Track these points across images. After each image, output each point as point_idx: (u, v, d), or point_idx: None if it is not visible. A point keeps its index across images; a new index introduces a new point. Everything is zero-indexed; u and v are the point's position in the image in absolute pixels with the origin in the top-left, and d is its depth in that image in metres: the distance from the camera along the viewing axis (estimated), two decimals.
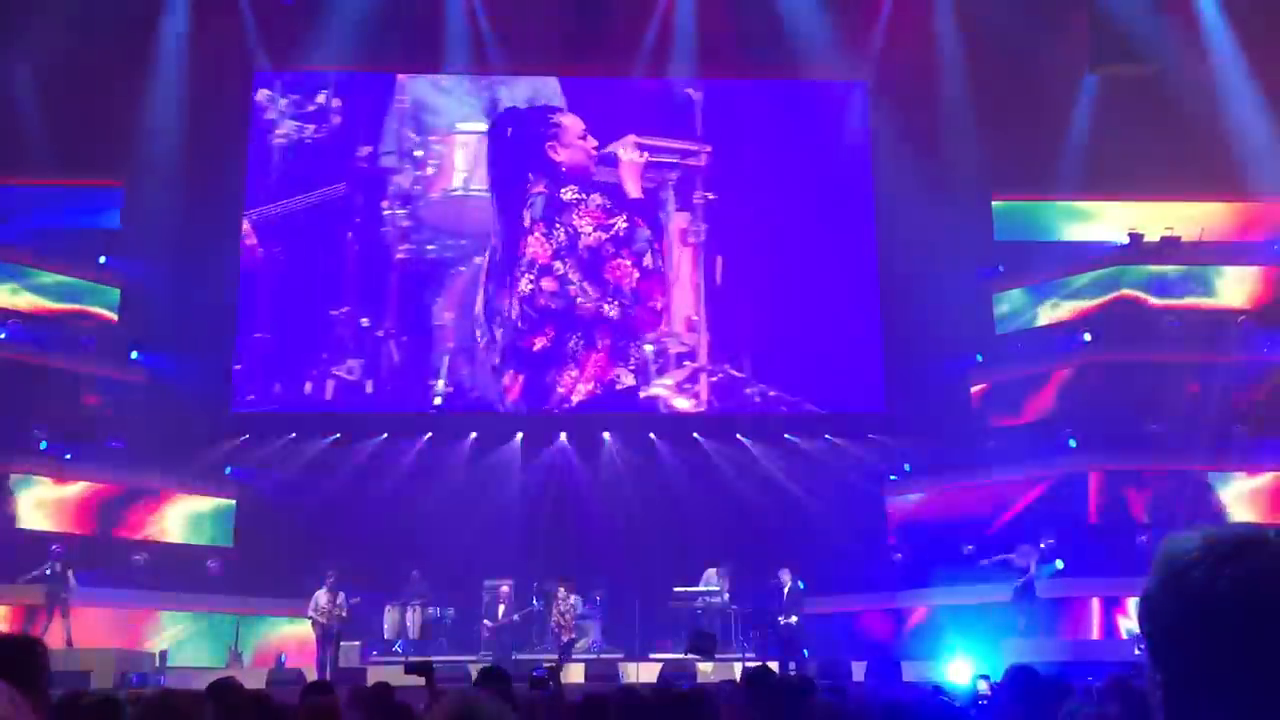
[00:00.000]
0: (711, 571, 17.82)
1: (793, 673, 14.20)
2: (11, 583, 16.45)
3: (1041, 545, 17.33)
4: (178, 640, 17.73)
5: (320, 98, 21.06)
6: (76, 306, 20.14)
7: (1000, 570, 16.84)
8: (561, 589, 16.51)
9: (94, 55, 18.79)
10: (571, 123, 20.84)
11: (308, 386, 20.09)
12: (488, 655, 16.76)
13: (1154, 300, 20.29)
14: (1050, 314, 21.08)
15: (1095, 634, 17.22)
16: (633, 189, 20.57)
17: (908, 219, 20.01)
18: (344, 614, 16.01)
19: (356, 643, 16.71)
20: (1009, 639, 15.61)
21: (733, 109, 21.51)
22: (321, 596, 15.96)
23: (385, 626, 17.93)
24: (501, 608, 17.05)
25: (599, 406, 20.19)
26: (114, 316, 20.37)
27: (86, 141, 19.05)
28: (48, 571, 16.08)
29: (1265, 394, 19.09)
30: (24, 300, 19.79)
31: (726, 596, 17.44)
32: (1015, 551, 16.74)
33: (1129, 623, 17.10)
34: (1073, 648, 15.78)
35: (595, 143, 20.68)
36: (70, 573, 16.14)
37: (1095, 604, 17.37)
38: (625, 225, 20.56)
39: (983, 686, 9.54)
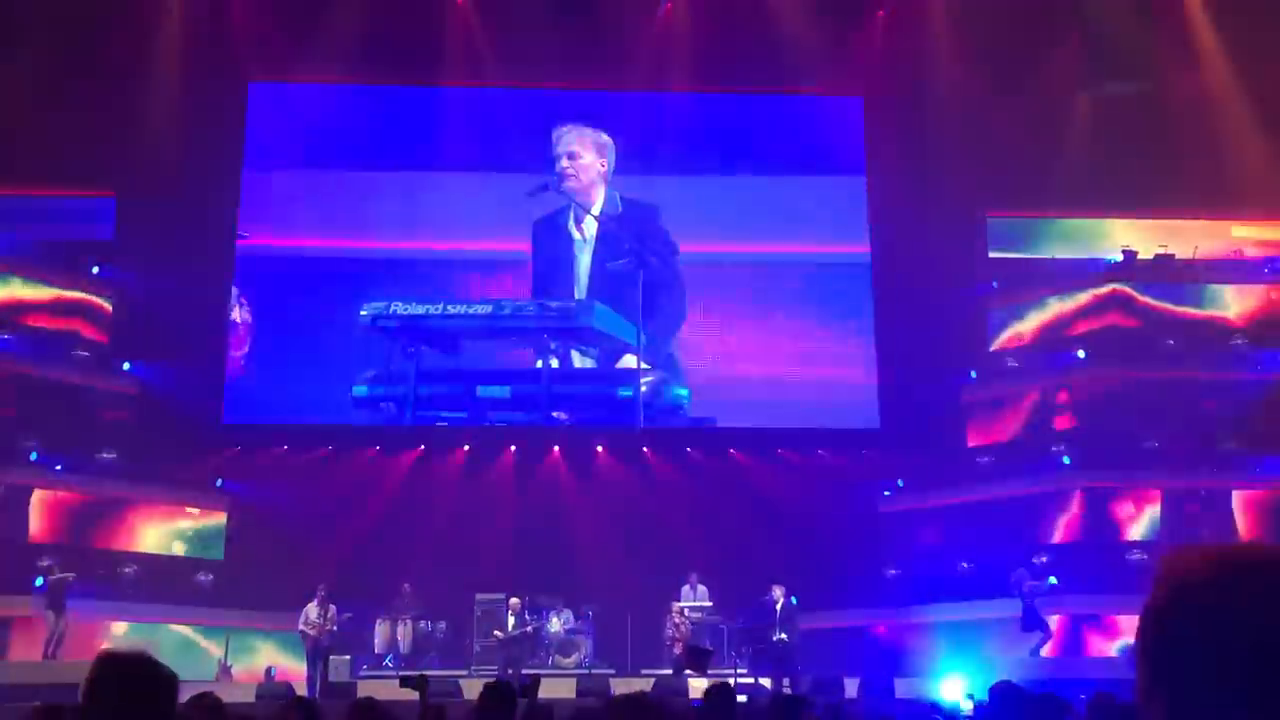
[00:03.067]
0: (686, 588, 17.83)
1: (786, 689, 14.17)
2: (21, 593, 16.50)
3: (1035, 562, 17.34)
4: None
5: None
6: (68, 317, 20.05)
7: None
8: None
9: (86, 64, 18.78)
10: None
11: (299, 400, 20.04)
12: (482, 670, 16.69)
13: (1150, 301, 20.29)
14: (1044, 331, 21.09)
15: (1089, 651, 17.22)
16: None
17: (901, 234, 20.06)
18: (334, 628, 15.95)
19: (346, 657, 16.63)
20: (1003, 656, 15.58)
21: (727, 122, 21.55)
22: (312, 610, 15.90)
23: (376, 640, 17.84)
24: (511, 620, 17.03)
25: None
26: (106, 328, 20.30)
27: (79, 152, 19.01)
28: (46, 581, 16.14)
29: (1259, 410, 19.11)
30: (15, 311, 19.70)
31: (709, 604, 17.43)
32: (1017, 575, 16.70)
33: (1119, 640, 17.09)
34: (1067, 665, 15.75)
35: None
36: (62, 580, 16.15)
37: (1089, 621, 17.36)
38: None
39: (967, 706, 9.50)
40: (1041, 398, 20.23)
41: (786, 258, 20.95)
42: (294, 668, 16.90)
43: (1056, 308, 20.90)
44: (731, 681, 15.07)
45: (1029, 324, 21.21)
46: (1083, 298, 20.59)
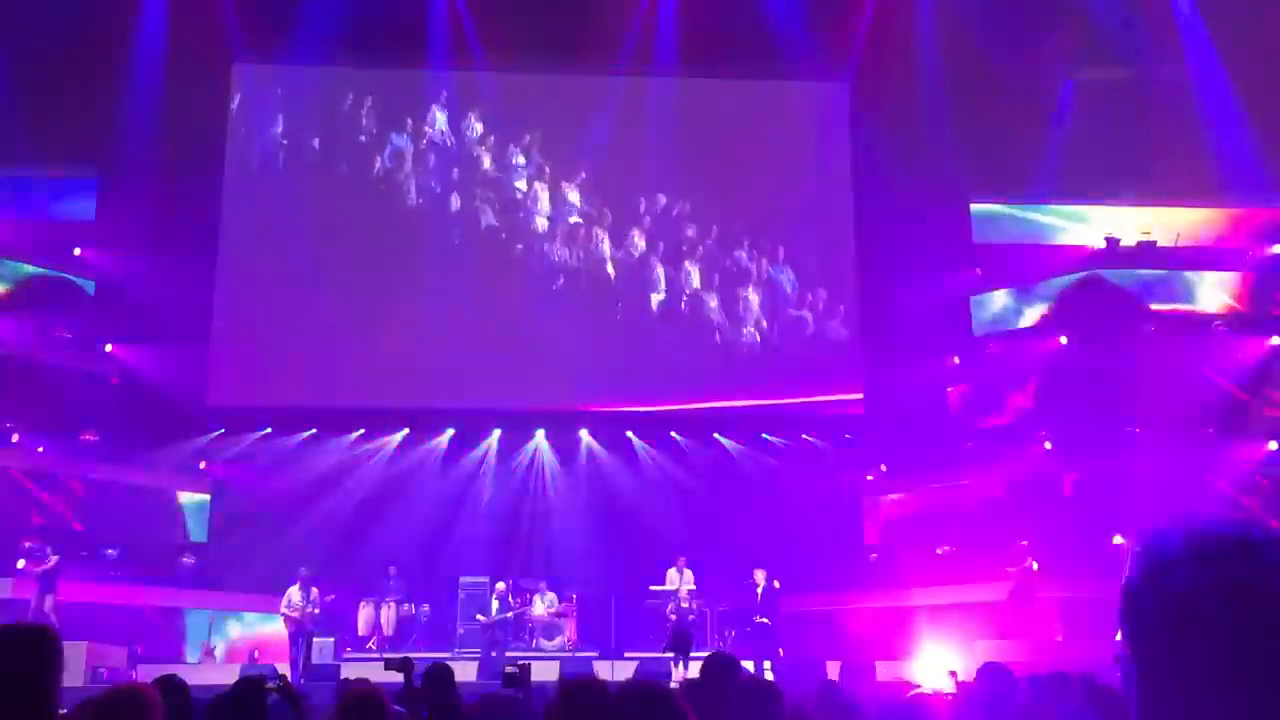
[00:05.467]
0: (672, 571, 17.87)
1: (767, 673, 14.25)
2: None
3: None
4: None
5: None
6: (49, 298, 19.90)
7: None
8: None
9: (68, 43, 18.61)
10: None
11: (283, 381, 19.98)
12: (465, 652, 16.75)
13: (1132, 287, 20.41)
14: (1027, 317, 21.20)
15: (1071, 635, 17.33)
16: None
17: (887, 221, 20.10)
18: (316, 610, 15.94)
19: (330, 639, 16.66)
20: (984, 639, 15.70)
21: (714, 108, 21.52)
22: (294, 593, 15.89)
23: (359, 623, 17.87)
24: (495, 603, 17.07)
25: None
26: (88, 309, 20.15)
27: (60, 131, 18.86)
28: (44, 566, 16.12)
29: (1239, 396, 19.26)
30: None
31: (693, 588, 17.46)
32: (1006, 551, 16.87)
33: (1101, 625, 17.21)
34: (1050, 649, 15.86)
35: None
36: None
37: (1070, 605, 17.46)
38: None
39: (953, 684, 9.59)
40: (1024, 383, 20.34)
41: (769, 244, 21.01)
42: (278, 650, 16.90)
43: (1040, 294, 21.00)
44: None
45: (1013, 310, 21.31)
46: (1065, 284, 20.70)
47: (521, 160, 21.03)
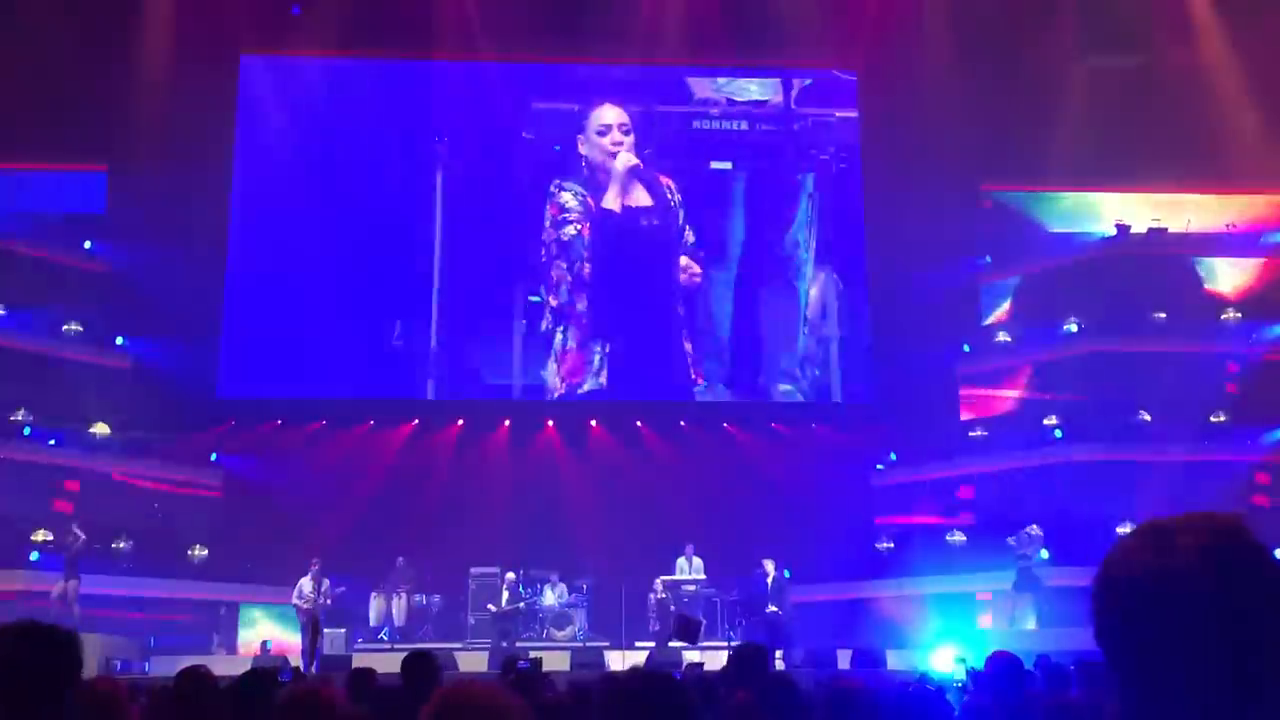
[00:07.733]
0: (681, 560, 17.89)
1: (778, 662, 14.26)
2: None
3: (1030, 532, 17.43)
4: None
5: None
6: (60, 292, 19.92)
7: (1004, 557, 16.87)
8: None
9: (77, 37, 18.63)
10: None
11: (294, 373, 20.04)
12: (476, 643, 16.79)
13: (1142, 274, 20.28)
14: (1037, 304, 21.10)
15: (1080, 622, 17.27)
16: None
17: (896, 209, 20.03)
18: (328, 601, 16.00)
19: (342, 630, 16.70)
20: (995, 627, 15.68)
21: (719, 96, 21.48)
22: (306, 584, 15.95)
23: (371, 614, 17.93)
24: (506, 594, 17.10)
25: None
26: (99, 302, 20.18)
27: (70, 125, 18.90)
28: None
29: (1250, 383, 19.19)
30: (7, 285, 19.60)
31: (704, 577, 17.53)
32: (1016, 538, 16.83)
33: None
34: (1058, 636, 15.83)
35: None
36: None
37: (1080, 593, 17.39)
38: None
39: (962, 672, 9.56)
40: (1033, 371, 20.29)
41: (778, 235, 20.98)
42: (290, 641, 16.97)
43: (1050, 281, 20.92)
44: (724, 654, 15.19)
45: (1022, 297, 21.24)
46: (1076, 271, 20.61)
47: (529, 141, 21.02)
